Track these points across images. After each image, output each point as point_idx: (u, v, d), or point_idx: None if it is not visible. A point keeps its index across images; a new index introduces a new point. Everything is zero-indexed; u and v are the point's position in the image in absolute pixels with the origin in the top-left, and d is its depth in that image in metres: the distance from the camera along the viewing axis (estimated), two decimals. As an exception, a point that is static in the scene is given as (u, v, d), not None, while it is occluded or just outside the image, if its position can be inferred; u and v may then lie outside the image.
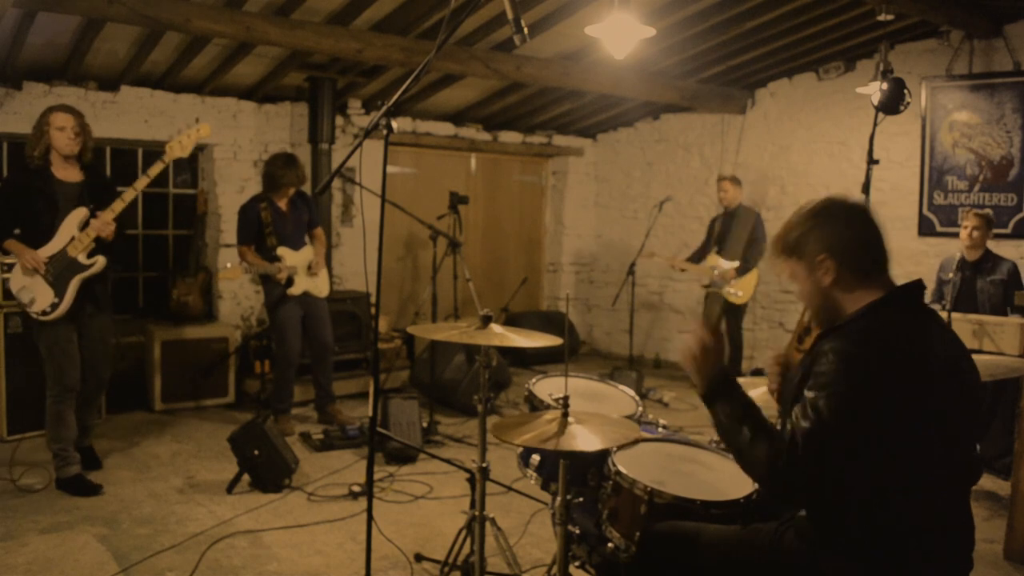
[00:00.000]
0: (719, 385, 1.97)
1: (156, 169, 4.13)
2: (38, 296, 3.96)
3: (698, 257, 6.90)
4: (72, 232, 4.03)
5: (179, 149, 4.21)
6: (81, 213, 4.05)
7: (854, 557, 1.80)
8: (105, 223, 4.02)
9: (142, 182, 4.10)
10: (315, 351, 5.40)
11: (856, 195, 2.65)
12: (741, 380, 3.01)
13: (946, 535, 1.85)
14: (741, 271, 6.56)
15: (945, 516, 1.85)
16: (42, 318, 3.97)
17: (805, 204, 2.00)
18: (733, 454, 1.89)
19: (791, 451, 1.71)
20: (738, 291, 6.58)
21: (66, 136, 3.98)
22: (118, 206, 4.05)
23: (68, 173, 4.08)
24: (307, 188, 6.12)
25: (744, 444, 1.82)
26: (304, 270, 5.23)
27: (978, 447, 1.94)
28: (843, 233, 1.90)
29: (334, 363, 6.26)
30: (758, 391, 2.70)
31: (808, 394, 1.75)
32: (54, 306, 3.97)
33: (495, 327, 2.79)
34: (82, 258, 4.04)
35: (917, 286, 1.93)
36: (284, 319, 5.22)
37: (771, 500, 2.25)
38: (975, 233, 4.98)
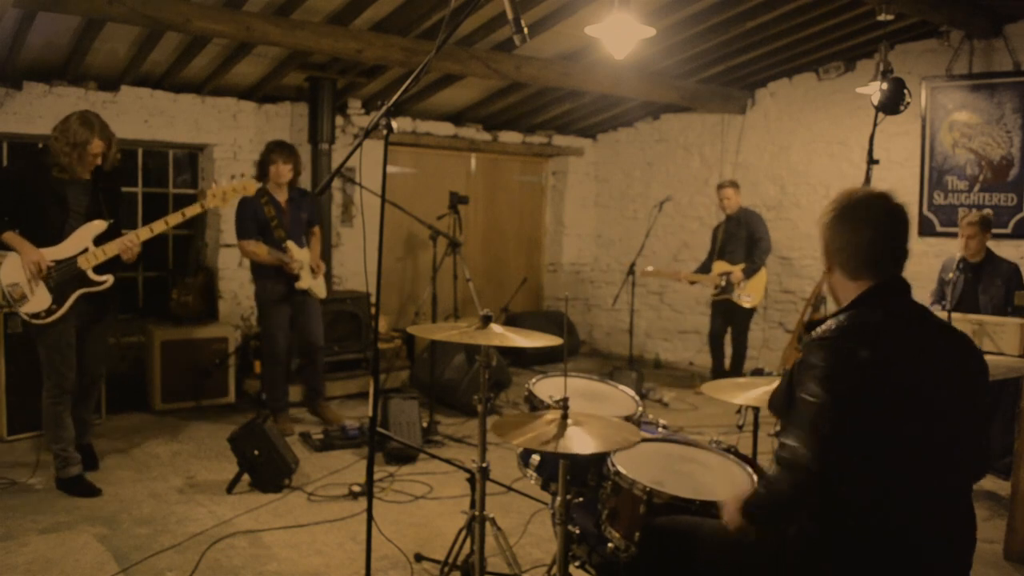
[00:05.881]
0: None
1: (192, 211, 4.10)
2: (32, 297, 3.81)
3: (705, 267, 6.89)
4: (86, 243, 3.91)
5: (220, 199, 4.17)
6: (99, 226, 3.95)
7: (856, 550, 1.82)
8: (131, 244, 3.93)
9: (175, 218, 4.04)
10: (304, 351, 5.38)
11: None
12: (741, 380, 3.02)
13: (946, 526, 1.87)
14: (748, 272, 6.55)
15: (945, 507, 1.87)
16: (33, 320, 3.84)
17: (845, 194, 2.05)
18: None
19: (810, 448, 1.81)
20: (748, 294, 6.56)
21: (97, 160, 3.95)
22: (144, 233, 3.97)
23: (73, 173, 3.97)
24: (307, 188, 6.13)
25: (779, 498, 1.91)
26: (308, 267, 5.23)
27: (981, 442, 1.99)
28: (848, 238, 1.99)
29: (334, 363, 6.28)
30: (758, 391, 2.70)
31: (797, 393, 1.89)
32: (49, 312, 3.83)
33: (495, 327, 2.79)
34: (91, 273, 3.92)
35: (892, 284, 1.99)
36: (275, 317, 5.19)
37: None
38: (971, 243, 4.99)
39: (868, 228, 1.98)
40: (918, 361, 1.88)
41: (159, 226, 4.01)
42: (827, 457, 1.78)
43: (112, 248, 3.92)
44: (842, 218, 2.01)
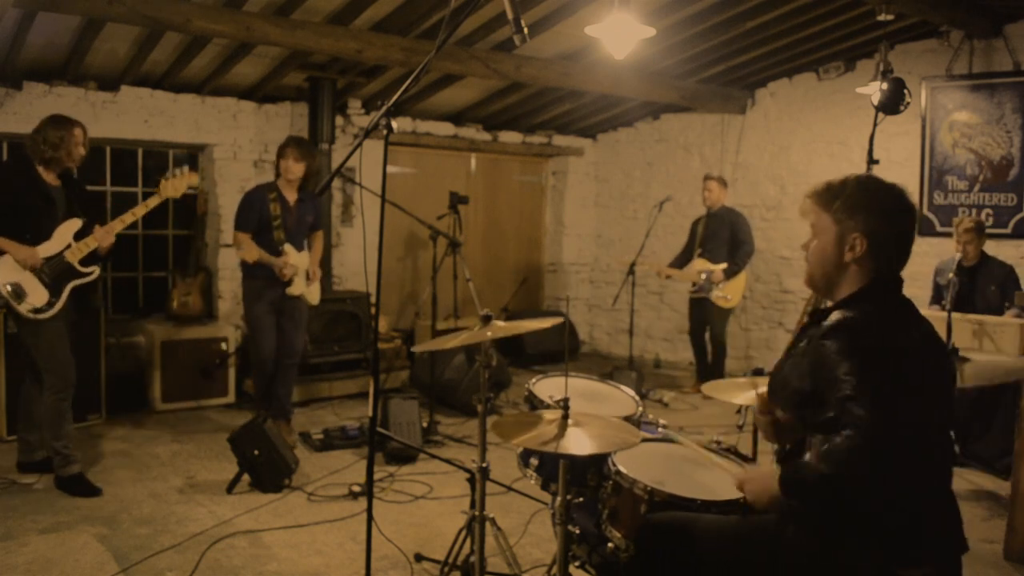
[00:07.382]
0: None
1: (154, 201, 4.30)
2: (30, 293, 3.94)
3: (682, 262, 6.85)
4: (67, 240, 4.07)
5: (171, 190, 4.39)
6: (76, 223, 4.12)
7: (861, 545, 1.82)
8: (108, 234, 4.11)
9: (141, 210, 4.26)
10: (282, 355, 5.04)
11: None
12: (740, 380, 3.02)
13: (944, 514, 1.88)
14: (729, 273, 6.53)
15: (942, 494, 1.88)
16: (34, 316, 3.95)
17: (866, 175, 2.04)
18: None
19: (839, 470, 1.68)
20: (727, 295, 6.55)
21: (82, 149, 4.11)
22: (117, 225, 4.17)
23: (51, 177, 4.10)
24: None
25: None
26: (303, 273, 5.10)
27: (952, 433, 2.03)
28: (889, 228, 1.95)
29: (334, 363, 6.27)
30: (759, 391, 2.70)
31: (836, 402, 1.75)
32: (51, 304, 3.98)
33: (497, 324, 2.78)
34: (78, 265, 4.09)
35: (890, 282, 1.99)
36: (261, 320, 4.98)
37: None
38: (969, 248, 5.01)
39: (910, 230, 2.01)
40: (922, 354, 1.90)
41: (128, 217, 4.22)
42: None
43: (91, 241, 4.11)
44: (891, 211, 1.98)
